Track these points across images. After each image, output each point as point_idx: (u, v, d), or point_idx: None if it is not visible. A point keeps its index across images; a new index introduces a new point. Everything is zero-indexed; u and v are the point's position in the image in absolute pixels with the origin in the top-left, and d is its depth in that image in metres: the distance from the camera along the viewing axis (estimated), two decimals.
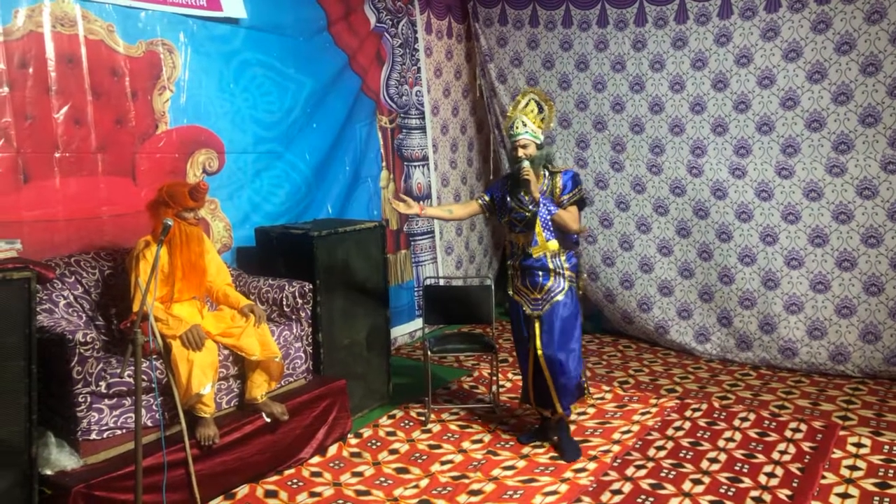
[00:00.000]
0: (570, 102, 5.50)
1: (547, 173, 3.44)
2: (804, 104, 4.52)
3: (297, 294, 3.56)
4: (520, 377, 4.53)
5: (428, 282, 4.43)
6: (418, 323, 5.45)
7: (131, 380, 2.79)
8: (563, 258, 3.41)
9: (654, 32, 5.05)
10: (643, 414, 3.91)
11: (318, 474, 3.30)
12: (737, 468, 3.24)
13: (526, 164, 3.29)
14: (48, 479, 2.60)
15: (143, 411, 2.78)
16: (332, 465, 3.41)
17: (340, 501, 3.06)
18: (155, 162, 3.74)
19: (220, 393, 3.18)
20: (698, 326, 5.08)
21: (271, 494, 3.11)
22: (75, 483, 2.57)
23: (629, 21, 5.16)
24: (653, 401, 4.10)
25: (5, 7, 3.16)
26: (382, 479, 3.26)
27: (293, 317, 3.57)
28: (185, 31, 3.87)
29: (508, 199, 3.42)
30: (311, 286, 3.63)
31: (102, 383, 2.76)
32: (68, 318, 3.04)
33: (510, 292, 3.53)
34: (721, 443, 3.52)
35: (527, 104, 3.42)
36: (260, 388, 3.24)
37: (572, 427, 3.62)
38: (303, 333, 3.59)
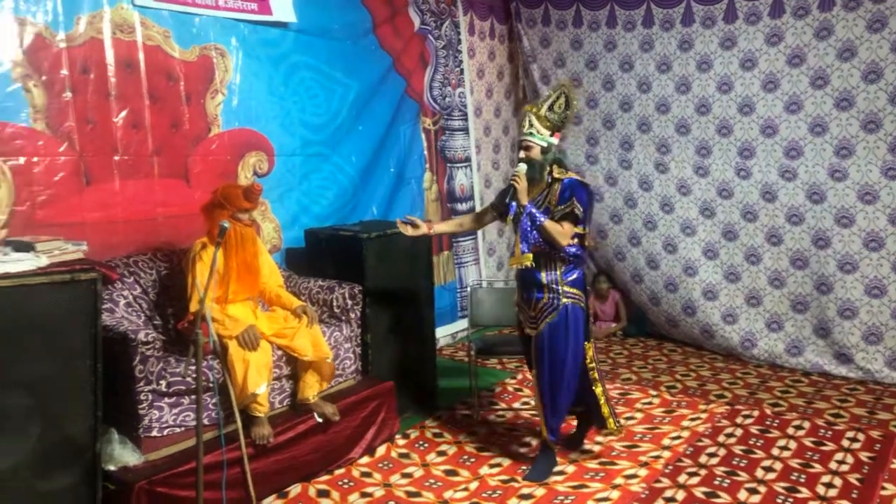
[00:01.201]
0: (614, 103, 5.45)
1: (549, 179, 3.14)
2: (860, 105, 4.41)
3: (347, 295, 3.60)
4: None
5: (473, 283, 4.44)
6: (460, 324, 5.46)
7: (189, 379, 2.86)
8: (559, 273, 3.13)
9: (702, 32, 4.97)
10: (693, 420, 3.86)
11: (368, 475, 3.33)
12: (793, 478, 3.18)
13: (521, 167, 3.07)
14: (111, 474, 2.67)
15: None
16: (381, 465, 3.43)
17: (392, 502, 3.08)
18: (207, 164, 3.81)
19: (273, 393, 3.22)
20: (744, 332, 4.99)
21: (323, 494, 3.15)
22: (138, 479, 2.63)
23: (675, 21, 5.09)
24: (702, 406, 4.04)
25: (68, 14, 3.25)
26: (432, 480, 3.28)
27: (343, 318, 3.60)
28: (237, 35, 3.93)
29: (512, 202, 3.13)
30: (360, 288, 3.66)
31: (163, 382, 2.82)
32: (128, 317, 3.11)
33: (514, 307, 3.39)
34: (775, 451, 3.45)
35: (558, 97, 3.15)
36: (312, 388, 3.28)
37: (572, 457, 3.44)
38: (352, 334, 3.62)
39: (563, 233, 3.07)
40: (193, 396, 2.86)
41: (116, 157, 3.41)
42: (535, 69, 5.82)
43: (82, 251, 2.75)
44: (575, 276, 3.18)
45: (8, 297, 2.36)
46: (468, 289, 4.53)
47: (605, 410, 3.32)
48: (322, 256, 3.97)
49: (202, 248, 3.12)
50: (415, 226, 3.33)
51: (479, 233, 5.73)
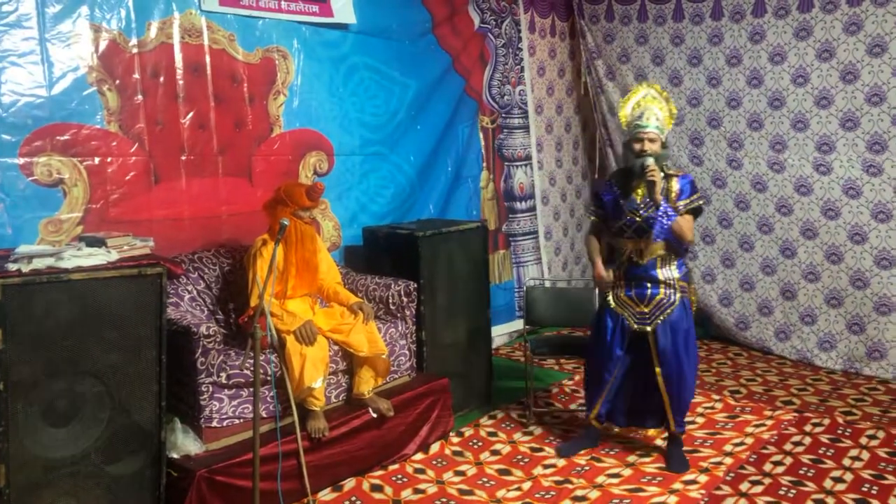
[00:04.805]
0: (681, 99, 5.30)
1: (663, 175, 3.14)
2: None
3: (402, 293, 3.63)
4: None
5: (530, 283, 4.40)
6: (516, 324, 5.42)
7: (248, 371, 2.94)
8: (673, 267, 3.19)
9: (775, 23, 4.78)
10: (757, 426, 3.71)
11: (422, 471, 3.35)
12: (864, 489, 3.01)
13: (650, 161, 3.01)
14: (174, 462, 2.78)
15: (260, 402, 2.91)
16: (434, 462, 3.44)
17: (444, 499, 3.09)
18: (270, 164, 3.91)
19: (329, 387, 3.28)
20: (823, 333, 4.76)
21: (377, 489, 3.18)
22: (199, 467, 2.72)
23: (746, 12, 4.91)
24: (767, 412, 3.88)
25: (140, 21, 3.40)
26: (485, 479, 3.27)
27: (398, 315, 3.64)
28: (299, 37, 4.02)
29: (622, 200, 3.18)
30: (416, 285, 3.69)
31: (223, 374, 2.92)
32: (192, 311, 3.23)
33: (611, 302, 3.30)
34: (846, 461, 3.28)
35: (644, 96, 3.20)
36: (367, 383, 3.32)
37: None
38: (407, 331, 3.65)
39: (691, 227, 3.14)
40: (252, 389, 2.95)
41: (183, 157, 3.55)
42: (599, 65, 5.72)
43: (149, 247, 2.87)
44: (685, 269, 3.26)
45: (81, 289, 2.49)
46: (525, 288, 4.49)
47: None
48: (379, 254, 4.01)
49: (263, 245, 3.22)
50: (606, 281, 3.30)
51: (542, 232, 5.67)
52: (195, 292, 3.34)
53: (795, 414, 3.86)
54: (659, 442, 3.56)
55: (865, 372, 4.54)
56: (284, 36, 3.96)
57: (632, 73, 5.55)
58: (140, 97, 3.39)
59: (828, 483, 3.09)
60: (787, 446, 3.46)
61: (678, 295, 3.18)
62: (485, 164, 5.26)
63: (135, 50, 3.38)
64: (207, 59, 3.64)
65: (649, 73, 5.44)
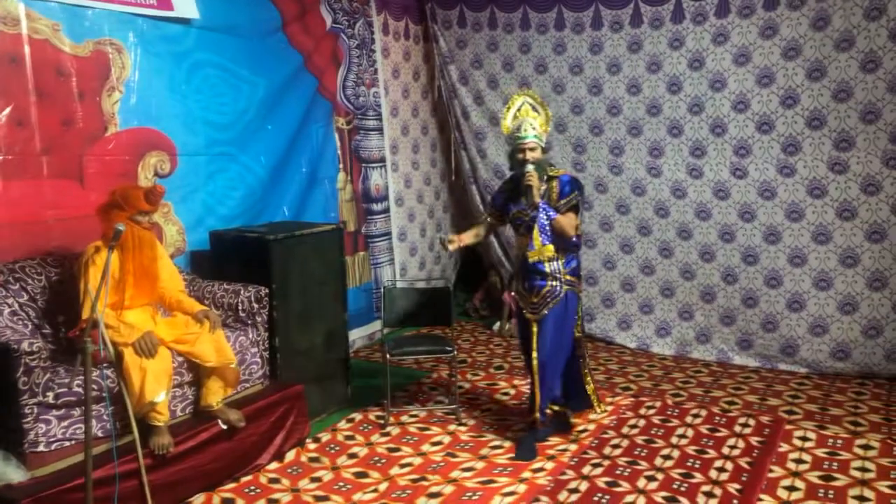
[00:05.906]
0: None
1: (545, 177, 3.44)
2: (858, 96, 4.36)
3: (252, 298, 3.52)
4: (478, 378, 4.59)
5: (387, 284, 4.42)
6: (376, 325, 5.43)
7: (81, 390, 2.73)
8: (561, 262, 3.44)
9: (611, 36, 5.13)
10: (599, 413, 3.97)
11: (276, 480, 3.27)
12: (689, 464, 3.32)
13: (531, 167, 3.34)
14: None
15: (94, 421, 2.72)
16: (290, 470, 3.38)
17: None
18: (104, 164, 3.65)
19: (175, 400, 3.12)
20: (660, 321, 5.19)
21: (228, 502, 3.07)
22: (22, 497, 2.50)
23: (585, 25, 5.23)
24: (608, 399, 4.17)
25: None
26: (341, 483, 3.25)
27: (249, 322, 3.52)
28: (135, 30, 3.78)
29: (510, 203, 3.51)
30: (266, 290, 3.59)
31: (50, 394, 2.69)
32: (13, 326, 2.94)
33: (514, 295, 3.60)
34: (674, 439, 3.60)
35: (521, 106, 3.48)
36: (216, 394, 3.19)
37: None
38: (259, 338, 3.55)
39: (572, 224, 3.40)
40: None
41: None
42: (452, 70, 5.85)
43: None
44: (574, 264, 3.50)
45: None
46: (382, 289, 4.51)
47: (591, 390, 3.72)
48: (228, 259, 3.87)
49: (95, 252, 3.00)
50: (451, 241, 3.53)
51: (395, 233, 5.72)
52: (17, 305, 3.04)
53: (632, 399, 4.18)
54: (508, 435, 3.71)
55: (693, 356, 5.01)
56: (118, 28, 3.70)
57: (484, 79, 5.73)
58: None
59: (658, 461, 3.37)
60: (625, 430, 3.74)
61: (564, 288, 3.43)
62: (342, 166, 5.22)
63: None
64: (27, 49, 3.32)
65: (500, 79, 5.65)
